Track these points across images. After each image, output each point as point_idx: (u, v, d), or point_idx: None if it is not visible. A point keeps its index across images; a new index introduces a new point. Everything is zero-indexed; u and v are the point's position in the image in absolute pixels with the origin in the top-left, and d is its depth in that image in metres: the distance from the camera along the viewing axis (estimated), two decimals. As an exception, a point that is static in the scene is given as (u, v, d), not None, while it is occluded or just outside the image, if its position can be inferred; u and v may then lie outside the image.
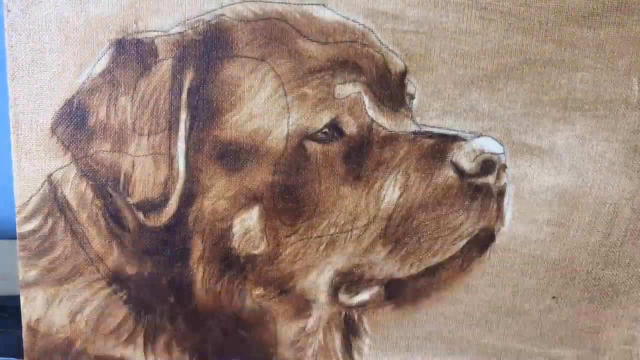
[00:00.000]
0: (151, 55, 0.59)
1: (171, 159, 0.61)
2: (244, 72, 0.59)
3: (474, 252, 0.63)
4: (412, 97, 0.61)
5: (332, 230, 0.62)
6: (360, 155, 0.61)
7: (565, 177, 0.62)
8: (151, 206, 0.62)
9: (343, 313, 0.66)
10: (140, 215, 0.62)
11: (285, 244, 0.62)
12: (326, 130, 0.60)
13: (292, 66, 0.59)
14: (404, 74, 0.60)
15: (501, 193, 0.62)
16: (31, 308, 0.66)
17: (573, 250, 0.64)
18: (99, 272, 0.65)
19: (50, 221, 0.64)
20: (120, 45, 0.59)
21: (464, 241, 0.62)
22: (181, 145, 0.60)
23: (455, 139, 0.61)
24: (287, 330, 0.66)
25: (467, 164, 0.60)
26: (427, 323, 0.66)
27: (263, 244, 0.62)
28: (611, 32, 0.59)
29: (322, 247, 0.63)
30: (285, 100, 0.59)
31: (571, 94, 0.60)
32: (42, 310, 0.66)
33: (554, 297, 0.65)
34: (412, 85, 0.60)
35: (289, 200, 0.61)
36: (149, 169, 0.61)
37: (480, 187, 0.61)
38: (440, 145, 0.61)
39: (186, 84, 0.59)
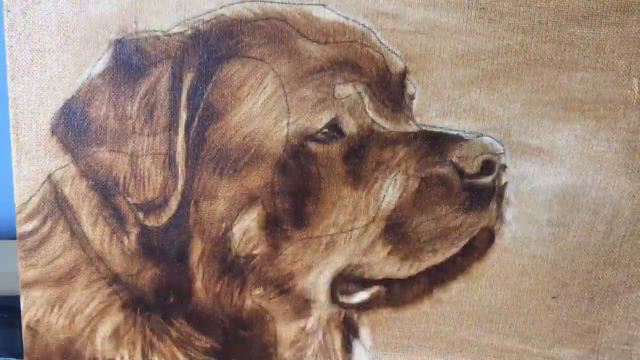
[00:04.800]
0: (151, 56, 0.59)
1: (171, 159, 0.61)
2: (243, 72, 0.59)
3: (474, 252, 0.63)
4: (412, 97, 0.61)
5: (332, 231, 0.62)
6: (360, 155, 0.61)
7: (565, 177, 0.62)
8: (151, 206, 0.62)
9: (343, 313, 0.66)
10: (140, 216, 0.62)
11: (285, 244, 0.62)
12: (326, 130, 0.60)
13: (292, 66, 0.59)
14: (404, 74, 0.60)
15: (501, 193, 0.62)
16: (31, 308, 0.66)
17: (573, 250, 0.64)
18: (98, 272, 0.65)
19: (50, 221, 0.64)
20: (120, 46, 0.59)
21: (464, 241, 0.62)
22: (181, 146, 0.60)
23: (455, 139, 0.61)
24: (287, 330, 0.66)
25: (467, 164, 0.60)
26: (427, 323, 0.66)
27: (263, 244, 0.62)
28: (611, 32, 0.59)
29: (322, 247, 0.63)
30: (285, 100, 0.59)
31: (571, 94, 0.60)
32: (42, 310, 0.66)
33: (554, 297, 0.65)
34: (412, 86, 0.60)
35: (289, 200, 0.61)
36: (149, 169, 0.61)
37: (480, 188, 0.61)
38: (440, 146, 0.61)
39: (186, 84, 0.59)
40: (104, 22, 0.59)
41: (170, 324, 0.66)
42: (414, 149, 0.61)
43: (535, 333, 0.66)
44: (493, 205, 0.62)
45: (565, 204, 0.63)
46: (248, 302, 0.65)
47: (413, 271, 0.63)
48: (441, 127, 0.61)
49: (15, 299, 0.66)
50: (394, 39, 0.59)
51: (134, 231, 0.63)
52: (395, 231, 0.62)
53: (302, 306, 0.65)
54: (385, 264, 0.63)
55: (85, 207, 0.63)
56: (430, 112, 0.61)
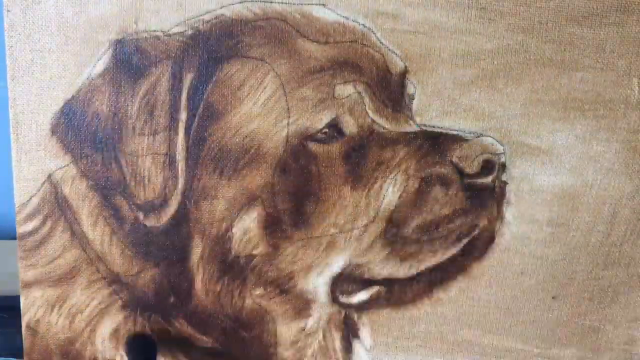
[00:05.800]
0: (151, 56, 0.59)
1: (171, 159, 0.61)
2: (243, 72, 0.59)
3: (474, 252, 0.63)
4: (412, 97, 0.61)
5: (332, 230, 0.62)
6: (361, 155, 0.61)
7: (565, 177, 0.62)
8: (151, 206, 0.62)
9: (343, 313, 0.66)
10: (140, 216, 0.62)
11: (285, 244, 0.62)
12: (326, 130, 0.60)
13: (292, 66, 0.59)
14: (404, 74, 0.60)
15: (501, 193, 0.62)
16: (31, 308, 0.66)
17: (573, 250, 0.64)
18: (98, 272, 0.65)
19: (50, 221, 0.64)
20: (120, 46, 0.59)
21: (464, 241, 0.62)
22: (181, 146, 0.60)
23: (455, 139, 0.61)
24: (287, 330, 0.66)
25: (467, 164, 0.60)
26: (427, 323, 0.66)
27: (263, 244, 0.62)
28: (611, 32, 0.59)
29: (322, 247, 0.63)
30: (285, 100, 0.59)
31: (571, 94, 0.60)
32: (42, 310, 0.66)
33: (553, 297, 0.65)
34: (412, 86, 0.60)
35: (289, 200, 0.61)
36: (149, 169, 0.61)
37: (480, 187, 0.61)
38: (440, 146, 0.61)
39: (186, 84, 0.59)
40: (104, 22, 0.59)
41: (170, 324, 0.66)
42: (414, 149, 0.61)
43: (535, 333, 0.66)
44: (493, 205, 0.62)
45: (565, 204, 0.62)
46: (248, 302, 0.65)
47: (413, 271, 0.63)
48: (441, 127, 0.61)
49: (15, 299, 0.66)
50: (394, 39, 0.59)
51: (134, 231, 0.63)
52: (395, 231, 0.62)
53: (302, 306, 0.65)
54: (385, 264, 0.63)
55: (85, 207, 0.63)
56: (430, 112, 0.61)
